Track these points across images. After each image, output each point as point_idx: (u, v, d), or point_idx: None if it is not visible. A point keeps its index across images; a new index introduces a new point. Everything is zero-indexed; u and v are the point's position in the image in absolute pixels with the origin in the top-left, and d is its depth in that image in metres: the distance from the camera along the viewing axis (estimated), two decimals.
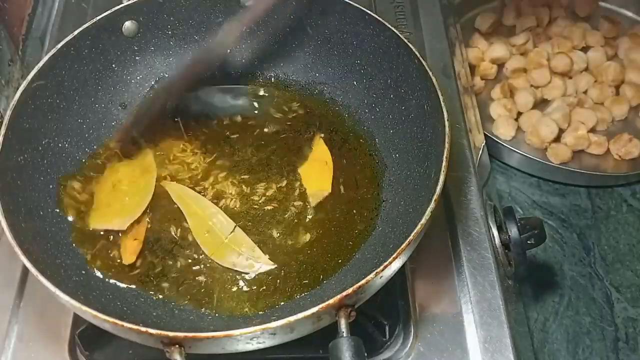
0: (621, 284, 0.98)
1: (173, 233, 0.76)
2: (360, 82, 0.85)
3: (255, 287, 0.73)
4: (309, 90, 0.88)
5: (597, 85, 1.14)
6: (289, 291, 0.72)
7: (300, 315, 0.57)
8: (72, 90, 0.79)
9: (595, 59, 1.17)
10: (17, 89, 0.72)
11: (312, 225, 0.77)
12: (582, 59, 1.16)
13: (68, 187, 0.76)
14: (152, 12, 0.83)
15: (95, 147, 0.82)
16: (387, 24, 0.79)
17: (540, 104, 1.13)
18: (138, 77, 0.86)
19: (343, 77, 0.86)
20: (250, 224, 0.77)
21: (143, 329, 0.57)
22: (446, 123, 0.68)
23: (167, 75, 0.87)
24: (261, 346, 0.60)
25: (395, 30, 0.78)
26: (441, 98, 0.70)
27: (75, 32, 0.78)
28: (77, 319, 0.74)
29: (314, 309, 0.57)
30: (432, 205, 0.63)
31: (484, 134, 0.99)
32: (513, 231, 0.79)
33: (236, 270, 0.74)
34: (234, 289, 0.73)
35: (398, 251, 0.60)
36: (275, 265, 0.74)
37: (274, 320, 0.57)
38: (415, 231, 0.61)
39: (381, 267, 0.59)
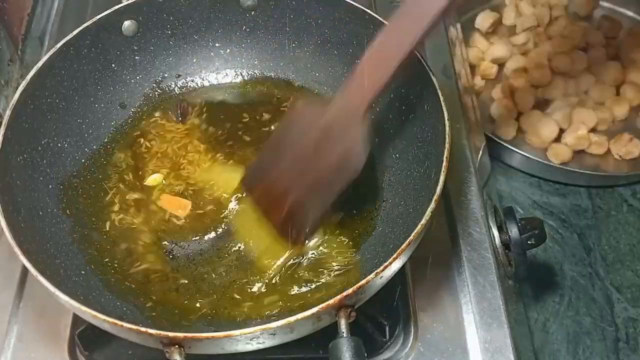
0: (621, 284, 0.98)
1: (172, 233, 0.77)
2: None
3: (255, 287, 0.73)
4: (309, 90, 0.88)
5: (597, 85, 1.14)
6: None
7: (300, 316, 0.57)
8: (71, 90, 0.79)
9: (596, 59, 1.16)
10: (17, 88, 0.72)
11: None
12: (583, 59, 1.16)
13: None
14: (151, 12, 0.83)
15: (94, 147, 0.82)
16: (387, 23, 0.79)
17: (541, 103, 1.13)
18: (138, 77, 0.86)
19: (343, 77, 0.86)
20: None
21: (143, 329, 0.57)
22: (446, 123, 0.68)
23: (166, 75, 0.87)
24: (261, 346, 0.60)
25: None
26: (441, 98, 0.70)
27: (75, 32, 0.78)
28: (76, 319, 0.74)
29: (314, 309, 0.57)
30: (432, 205, 0.63)
31: (485, 134, 0.99)
32: (513, 231, 0.79)
33: (236, 272, 0.74)
34: (235, 289, 0.73)
35: (398, 251, 0.60)
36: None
37: (274, 320, 0.56)
38: (415, 231, 0.61)
39: (381, 268, 0.59)
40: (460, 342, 0.73)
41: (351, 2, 0.81)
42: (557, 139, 1.08)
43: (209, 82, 0.90)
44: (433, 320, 0.75)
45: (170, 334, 0.57)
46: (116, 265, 0.74)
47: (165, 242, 0.76)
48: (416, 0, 0.64)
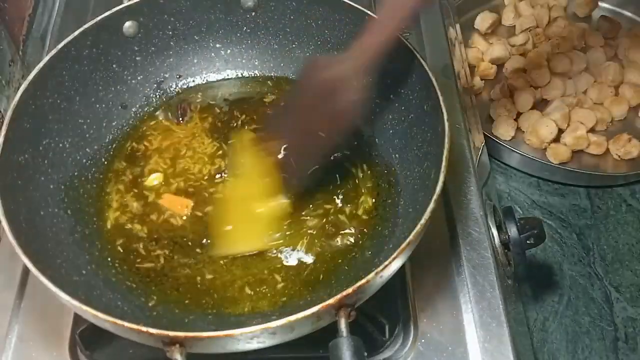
0: (620, 284, 0.99)
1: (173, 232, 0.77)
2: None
3: (255, 287, 0.73)
4: None
5: (596, 86, 1.14)
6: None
7: (300, 315, 0.57)
8: (72, 90, 0.79)
9: (595, 59, 1.17)
10: (18, 89, 0.72)
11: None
12: (582, 59, 1.16)
13: None
14: (152, 13, 0.83)
15: (95, 147, 0.82)
16: None
17: (540, 104, 1.13)
18: (138, 77, 0.86)
19: None
20: None
21: (143, 328, 0.57)
22: (446, 123, 0.68)
23: (167, 76, 0.88)
24: (261, 346, 0.60)
25: None
26: (441, 98, 0.70)
27: (76, 33, 0.78)
28: (77, 319, 0.74)
29: (314, 309, 0.57)
30: (432, 205, 0.63)
31: (484, 134, 0.99)
32: (512, 231, 0.79)
33: (237, 271, 0.74)
34: (235, 288, 0.73)
35: (398, 251, 0.60)
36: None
37: (274, 319, 0.57)
38: (415, 231, 0.61)
39: (381, 267, 0.59)
40: (459, 341, 0.73)
41: (351, 2, 0.81)
42: (556, 139, 1.08)
43: (209, 82, 0.90)
44: (433, 320, 0.75)
45: (171, 333, 0.57)
46: (117, 264, 0.74)
47: (166, 241, 0.76)
48: None
